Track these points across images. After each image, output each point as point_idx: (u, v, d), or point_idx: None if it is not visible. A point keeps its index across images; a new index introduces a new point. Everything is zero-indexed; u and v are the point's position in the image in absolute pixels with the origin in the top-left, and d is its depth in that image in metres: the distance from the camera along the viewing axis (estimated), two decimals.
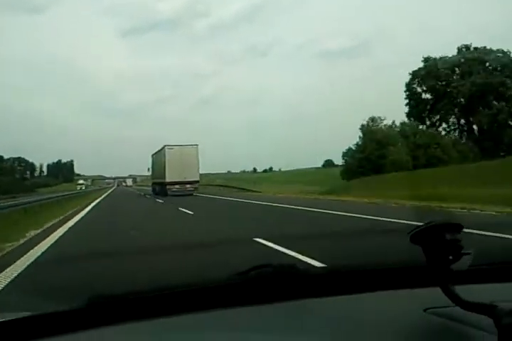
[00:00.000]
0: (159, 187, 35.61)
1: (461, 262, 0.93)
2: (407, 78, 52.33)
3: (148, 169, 44.43)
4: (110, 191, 61.37)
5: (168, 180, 32.36)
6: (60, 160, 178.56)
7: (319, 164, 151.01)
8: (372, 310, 1.11)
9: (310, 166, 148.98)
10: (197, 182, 33.44)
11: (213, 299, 1.09)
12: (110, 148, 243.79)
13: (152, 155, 42.44)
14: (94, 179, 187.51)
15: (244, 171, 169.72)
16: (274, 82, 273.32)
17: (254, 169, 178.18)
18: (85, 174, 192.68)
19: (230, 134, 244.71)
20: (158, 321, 1.02)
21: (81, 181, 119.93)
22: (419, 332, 0.99)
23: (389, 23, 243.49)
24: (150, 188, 43.63)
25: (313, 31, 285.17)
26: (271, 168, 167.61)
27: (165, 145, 34.11)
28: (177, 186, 32.15)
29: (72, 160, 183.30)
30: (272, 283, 1.14)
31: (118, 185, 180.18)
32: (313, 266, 1.63)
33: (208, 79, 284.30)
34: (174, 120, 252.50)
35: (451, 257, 0.93)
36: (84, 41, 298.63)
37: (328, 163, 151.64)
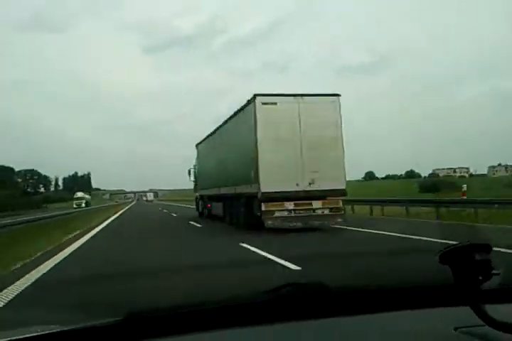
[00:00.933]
0: (228, 206, 16.20)
1: (491, 282, 0.95)
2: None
3: (190, 171, 24.67)
4: (123, 210, 44.82)
5: (264, 189, 12.34)
6: (76, 173, 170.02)
7: (359, 176, 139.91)
8: (401, 328, 1.11)
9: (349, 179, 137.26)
10: (341, 193, 13.01)
11: (242, 317, 1.12)
12: (131, 163, 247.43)
13: (204, 141, 21.44)
14: (113, 193, 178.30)
15: None
16: None
17: None
18: (105, 188, 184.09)
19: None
20: (190, 337, 1.06)
21: (79, 194, 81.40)
22: None
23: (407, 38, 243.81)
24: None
25: (330, 47, 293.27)
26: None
27: (254, 96, 12.74)
28: (290, 206, 12.53)
29: (89, 173, 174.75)
30: (301, 301, 1.15)
31: (138, 200, 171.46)
32: (342, 284, 1.26)
33: (225, 95, 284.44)
34: (193, 136, 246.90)
35: (480, 277, 0.94)
36: (103, 58, 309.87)
37: (371, 176, 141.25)
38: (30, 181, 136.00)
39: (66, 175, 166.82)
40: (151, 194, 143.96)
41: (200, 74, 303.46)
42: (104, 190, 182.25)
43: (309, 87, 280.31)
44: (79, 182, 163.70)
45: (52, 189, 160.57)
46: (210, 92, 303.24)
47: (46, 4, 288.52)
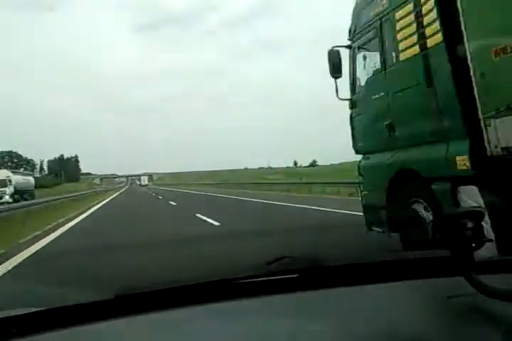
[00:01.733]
0: None
1: (484, 249, 0.97)
2: None
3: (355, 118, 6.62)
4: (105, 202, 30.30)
5: None
6: (62, 156, 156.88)
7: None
8: (395, 299, 1.14)
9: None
10: None
11: (236, 290, 1.14)
12: (124, 146, 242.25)
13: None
14: (104, 178, 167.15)
15: (288, 166, 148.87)
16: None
17: (295, 163, 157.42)
18: (96, 173, 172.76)
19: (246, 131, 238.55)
20: (185, 310, 1.07)
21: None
22: (443, 320, 1.00)
23: None
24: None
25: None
26: (314, 162, 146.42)
27: None
28: None
29: (76, 156, 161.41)
30: (296, 273, 1.17)
31: (131, 184, 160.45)
32: (336, 256, 1.42)
33: (219, 75, 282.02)
34: (187, 118, 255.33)
35: (473, 244, 0.96)
36: (94, 37, 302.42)
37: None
38: (9, 164, 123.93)
39: (51, 158, 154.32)
40: (145, 177, 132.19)
41: (194, 54, 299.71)
42: (95, 175, 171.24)
43: (307, 66, 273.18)
44: (65, 165, 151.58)
45: (37, 174, 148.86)
46: (204, 72, 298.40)
47: None
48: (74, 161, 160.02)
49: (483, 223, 0.97)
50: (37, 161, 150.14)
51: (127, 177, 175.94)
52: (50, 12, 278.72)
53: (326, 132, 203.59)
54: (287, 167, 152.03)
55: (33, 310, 1.00)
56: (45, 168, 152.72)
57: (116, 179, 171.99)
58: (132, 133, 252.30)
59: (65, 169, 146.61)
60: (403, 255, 1.40)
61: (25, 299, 1.18)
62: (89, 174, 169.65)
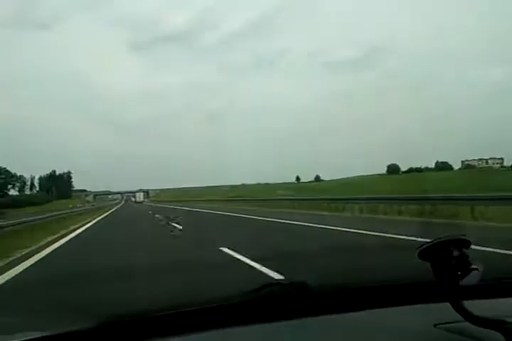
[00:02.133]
0: None
1: (469, 277, 0.97)
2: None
3: None
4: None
5: None
6: (54, 172, 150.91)
7: (381, 170, 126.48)
8: (383, 326, 1.14)
9: (368, 173, 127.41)
10: None
11: (226, 317, 1.12)
12: (119, 163, 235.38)
13: None
14: (98, 194, 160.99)
15: (287, 182, 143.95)
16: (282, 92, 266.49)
17: (298, 178, 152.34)
18: (91, 190, 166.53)
19: (245, 147, 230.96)
20: (173, 340, 1.06)
21: None
22: None
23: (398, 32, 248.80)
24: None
25: (321, 41, 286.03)
26: (318, 177, 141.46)
27: None
28: None
29: (69, 172, 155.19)
30: (283, 301, 1.17)
31: (126, 200, 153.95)
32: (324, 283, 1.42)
33: (216, 92, 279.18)
34: (184, 135, 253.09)
35: (459, 273, 0.97)
36: (91, 54, 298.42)
37: (394, 169, 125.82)
38: None
39: (43, 175, 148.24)
40: (141, 194, 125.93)
41: (189, 71, 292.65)
42: (89, 192, 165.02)
43: (300, 82, 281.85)
44: (57, 182, 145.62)
45: (27, 191, 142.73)
46: (200, 89, 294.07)
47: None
48: (66, 177, 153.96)
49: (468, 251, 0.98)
50: (27, 177, 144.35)
51: (122, 193, 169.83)
52: (45, 30, 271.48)
53: (324, 149, 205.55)
54: (286, 182, 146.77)
55: (21, 338, 0.99)
56: (37, 184, 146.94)
57: (110, 196, 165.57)
58: (128, 150, 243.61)
59: (56, 185, 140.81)
60: (390, 280, 1.36)
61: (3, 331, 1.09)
62: (84, 191, 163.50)
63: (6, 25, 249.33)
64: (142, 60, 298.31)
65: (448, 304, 0.99)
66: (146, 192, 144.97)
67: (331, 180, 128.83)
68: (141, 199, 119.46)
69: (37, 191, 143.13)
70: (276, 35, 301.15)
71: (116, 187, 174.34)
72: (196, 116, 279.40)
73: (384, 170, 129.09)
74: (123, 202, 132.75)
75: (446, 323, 1.06)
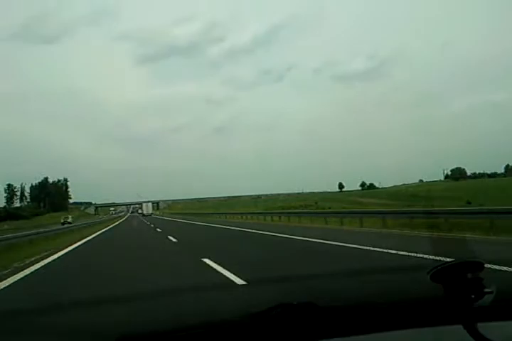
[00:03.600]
0: None
1: (483, 301, 0.99)
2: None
3: None
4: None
5: None
6: (45, 179, 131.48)
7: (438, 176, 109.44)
8: None
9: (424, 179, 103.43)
10: None
11: (235, 340, 1.13)
12: (125, 175, 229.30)
13: None
14: (100, 206, 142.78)
15: (323, 191, 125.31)
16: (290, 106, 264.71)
17: (340, 185, 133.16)
18: (95, 202, 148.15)
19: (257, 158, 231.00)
20: None
21: None
22: None
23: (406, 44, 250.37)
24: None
25: (329, 54, 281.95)
26: (372, 185, 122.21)
27: None
28: None
29: (65, 180, 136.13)
30: (293, 323, 1.16)
31: (132, 212, 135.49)
32: (333, 304, 1.34)
33: (222, 105, 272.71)
34: (190, 148, 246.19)
35: (473, 296, 0.98)
36: (94, 69, 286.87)
37: (460, 173, 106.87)
38: None
39: (35, 183, 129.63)
40: (149, 205, 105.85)
41: (197, 84, 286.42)
42: (90, 203, 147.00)
43: (308, 95, 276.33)
44: (51, 191, 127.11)
45: (16, 202, 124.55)
46: (206, 102, 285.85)
47: (36, 14, 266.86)
48: (61, 186, 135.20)
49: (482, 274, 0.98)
50: (17, 187, 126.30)
51: (127, 205, 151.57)
52: (51, 45, 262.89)
53: (371, 156, 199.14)
54: (322, 192, 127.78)
55: None
56: (28, 194, 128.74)
57: (112, 208, 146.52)
58: (135, 163, 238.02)
59: (49, 196, 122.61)
60: (402, 302, 1.35)
61: None
62: (90, 203, 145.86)
63: (12, 39, 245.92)
64: (147, 74, 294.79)
65: (461, 327, 0.98)
66: (156, 204, 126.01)
67: (393, 187, 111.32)
68: (150, 211, 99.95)
69: (28, 202, 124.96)
70: (283, 48, 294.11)
71: (123, 199, 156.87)
72: (203, 130, 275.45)
73: (441, 177, 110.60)
74: (128, 214, 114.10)
75: None
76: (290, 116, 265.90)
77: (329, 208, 41.01)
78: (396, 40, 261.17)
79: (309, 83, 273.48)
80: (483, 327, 0.96)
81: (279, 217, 30.35)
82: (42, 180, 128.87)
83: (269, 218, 31.61)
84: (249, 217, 38.32)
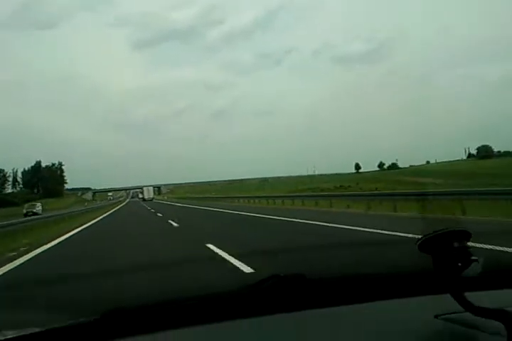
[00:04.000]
0: None
1: (470, 269, 1.00)
2: None
3: None
4: None
5: None
6: (38, 163, 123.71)
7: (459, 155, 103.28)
8: (383, 317, 1.16)
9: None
10: None
11: (225, 311, 1.16)
12: (125, 160, 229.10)
13: None
14: (97, 191, 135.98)
15: (336, 173, 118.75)
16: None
17: (357, 166, 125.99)
18: (96, 188, 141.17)
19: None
20: (171, 333, 1.09)
21: None
22: (432, 339, 1.05)
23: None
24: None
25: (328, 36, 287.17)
26: (394, 164, 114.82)
27: None
28: None
29: (60, 164, 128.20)
30: (283, 294, 1.20)
31: (133, 197, 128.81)
32: (323, 275, 1.44)
33: (222, 90, 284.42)
34: (191, 133, 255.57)
35: (460, 264, 0.99)
36: (92, 54, 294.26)
37: (487, 152, 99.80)
38: None
39: (27, 168, 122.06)
40: (150, 189, 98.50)
41: (196, 69, 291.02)
42: (89, 189, 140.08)
43: (307, 78, 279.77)
44: (44, 176, 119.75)
45: (8, 188, 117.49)
46: (206, 87, 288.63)
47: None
48: (55, 170, 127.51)
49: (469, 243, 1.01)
50: (8, 171, 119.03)
51: (126, 190, 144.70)
52: (47, 30, 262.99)
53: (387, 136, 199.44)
54: (335, 174, 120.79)
55: (21, 333, 1.02)
56: (20, 179, 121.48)
57: (110, 193, 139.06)
58: (135, 147, 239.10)
59: (43, 181, 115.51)
60: (390, 272, 1.42)
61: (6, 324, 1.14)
62: (88, 189, 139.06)
63: (9, 25, 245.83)
64: (145, 59, 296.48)
65: (449, 296, 1.01)
66: (158, 188, 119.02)
67: (410, 167, 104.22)
68: (151, 195, 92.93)
69: (20, 188, 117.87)
70: (282, 31, 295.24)
71: (123, 184, 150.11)
72: (202, 115, 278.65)
73: (463, 155, 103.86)
74: (128, 199, 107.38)
75: (447, 314, 1.08)
76: (291, 99, 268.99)
77: (376, 189, 33.99)
78: (395, 22, 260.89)
79: (309, 66, 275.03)
80: (471, 296, 0.98)
81: (292, 200, 25.62)
82: (34, 164, 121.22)
83: (287, 202, 26.61)
84: (260, 201, 32.08)
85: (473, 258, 0.98)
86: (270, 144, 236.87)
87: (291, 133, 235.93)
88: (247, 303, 1.18)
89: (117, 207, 49.91)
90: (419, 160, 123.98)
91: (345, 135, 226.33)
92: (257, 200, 33.85)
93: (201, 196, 64.90)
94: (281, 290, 1.19)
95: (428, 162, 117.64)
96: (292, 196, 30.93)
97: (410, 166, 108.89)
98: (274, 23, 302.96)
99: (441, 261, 0.98)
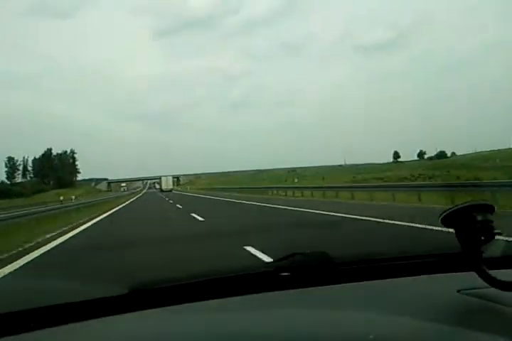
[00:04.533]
0: None
1: (494, 242, 1.00)
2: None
3: None
4: None
5: None
6: (49, 151, 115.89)
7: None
8: (404, 293, 1.17)
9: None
10: None
11: (248, 286, 1.18)
12: (144, 150, 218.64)
13: None
14: (113, 182, 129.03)
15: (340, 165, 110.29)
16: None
17: (396, 155, 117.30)
18: (113, 178, 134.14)
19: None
20: (196, 305, 1.11)
21: None
22: (454, 312, 1.05)
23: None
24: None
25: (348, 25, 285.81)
26: (442, 152, 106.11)
27: None
28: None
29: (72, 151, 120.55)
30: (305, 270, 1.21)
31: (150, 188, 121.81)
32: (347, 253, 1.47)
33: (242, 78, 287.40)
34: (207, 122, 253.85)
35: (483, 238, 0.98)
36: (109, 42, 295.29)
37: None
38: None
39: (38, 156, 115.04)
40: (169, 178, 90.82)
41: (214, 58, 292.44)
42: (106, 180, 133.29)
43: (327, 68, 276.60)
44: (55, 165, 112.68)
45: (18, 177, 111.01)
46: (224, 75, 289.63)
47: None
48: (67, 159, 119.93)
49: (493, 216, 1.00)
50: (18, 160, 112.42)
51: (143, 180, 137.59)
52: (65, 19, 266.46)
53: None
54: (368, 164, 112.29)
55: (50, 303, 1.05)
56: (31, 169, 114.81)
57: (123, 184, 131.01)
58: (153, 138, 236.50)
59: (53, 170, 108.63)
60: (413, 251, 1.41)
61: (38, 295, 1.19)
62: (105, 180, 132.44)
63: (29, 13, 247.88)
64: (165, 48, 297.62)
65: (472, 273, 1.00)
66: (176, 178, 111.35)
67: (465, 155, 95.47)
68: (170, 186, 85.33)
69: (30, 177, 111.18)
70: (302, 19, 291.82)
71: (140, 175, 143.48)
72: (220, 104, 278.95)
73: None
74: (145, 189, 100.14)
75: (469, 289, 1.08)
76: (313, 88, 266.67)
77: (477, 179, 25.39)
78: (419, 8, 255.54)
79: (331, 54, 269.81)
80: (496, 273, 0.97)
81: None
82: (45, 152, 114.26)
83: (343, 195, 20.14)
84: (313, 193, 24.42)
85: (496, 231, 0.96)
86: (292, 134, 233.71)
87: (313, 124, 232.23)
88: (269, 279, 1.19)
89: (132, 199, 41.88)
90: (459, 150, 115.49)
91: (371, 125, 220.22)
92: (305, 192, 25.91)
93: (230, 187, 56.39)
94: (303, 266, 1.20)
95: (479, 151, 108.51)
96: (368, 186, 22.49)
97: (456, 156, 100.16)
98: (293, 10, 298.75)
99: (465, 234, 0.97)
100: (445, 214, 0.97)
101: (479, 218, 0.96)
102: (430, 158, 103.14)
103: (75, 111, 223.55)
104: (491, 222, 0.97)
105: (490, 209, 0.99)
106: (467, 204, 0.97)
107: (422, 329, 0.91)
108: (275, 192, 32.16)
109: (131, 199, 42.97)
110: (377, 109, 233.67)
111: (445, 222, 0.98)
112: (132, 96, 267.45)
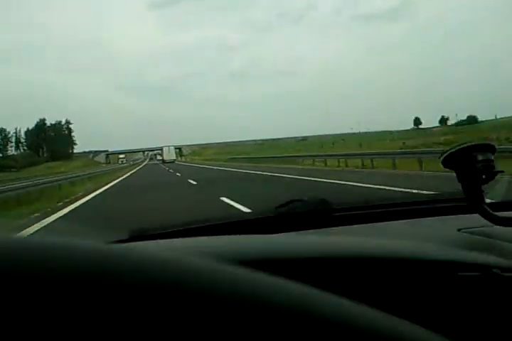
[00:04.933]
0: None
1: (495, 180, 1.00)
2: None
3: None
4: None
5: None
6: (42, 121, 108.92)
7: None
8: (405, 233, 1.18)
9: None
10: None
11: (248, 230, 1.18)
12: (142, 123, 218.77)
13: None
14: (112, 153, 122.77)
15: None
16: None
17: (417, 121, 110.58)
18: (114, 150, 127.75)
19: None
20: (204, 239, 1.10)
21: None
22: (453, 248, 1.03)
23: None
24: None
25: None
26: (472, 117, 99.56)
27: None
28: None
29: (68, 122, 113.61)
30: (306, 215, 1.22)
31: (151, 159, 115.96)
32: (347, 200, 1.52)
33: (241, 49, 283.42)
34: (206, 95, 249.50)
35: (484, 176, 0.98)
36: (106, 14, 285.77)
37: None
38: None
39: (31, 127, 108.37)
40: (171, 148, 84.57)
41: (211, 29, 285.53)
42: (106, 152, 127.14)
43: (326, 38, 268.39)
44: (49, 136, 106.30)
45: (11, 150, 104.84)
46: (224, 46, 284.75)
47: None
48: (61, 129, 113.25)
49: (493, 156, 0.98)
50: (10, 131, 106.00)
51: (144, 151, 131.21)
52: None
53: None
54: (385, 131, 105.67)
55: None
56: (24, 140, 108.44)
57: (122, 156, 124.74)
58: (154, 109, 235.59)
59: (47, 141, 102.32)
60: (413, 197, 1.41)
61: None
62: (105, 152, 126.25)
63: None
64: (162, 19, 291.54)
65: (473, 215, 1.01)
66: (178, 149, 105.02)
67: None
68: (173, 156, 79.15)
69: (24, 150, 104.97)
70: None
71: (141, 146, 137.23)
72: (219, 76, 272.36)
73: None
74: (147, 161, 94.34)
75: (470, 228, 1.07)
76: (312, 58, 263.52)
77: None
78: None
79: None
80: (498, 214, 0.98)
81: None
82: (37, 122, 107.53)
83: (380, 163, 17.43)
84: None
85: (498, 170, 0.96)
86: (300, 103, 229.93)
87: (323, 92, 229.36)
88: (269, 224, 1.18)
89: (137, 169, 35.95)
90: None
91: (384, 93, 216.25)
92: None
93: (254, 156, 48.45)
94: (303, 212, 1.20)
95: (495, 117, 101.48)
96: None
97: (484, 121, 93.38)
98: None
99: (465, 174, 0.96)
100: (445, 154, 0.95)
101: (480, 158, 0.94)
102: (458, 124, 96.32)
103: (73, 83, 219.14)
104: (492, 161, 0.95)
105: (491, 149, 0.97)
106: (467, 144, 0.95)
107: (421, 264, 0.84)
108: (301, 161, 27.66)
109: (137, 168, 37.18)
110: (390, 76, 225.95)
111: (446, 164, 0.96)
112: (132, 68, 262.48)
